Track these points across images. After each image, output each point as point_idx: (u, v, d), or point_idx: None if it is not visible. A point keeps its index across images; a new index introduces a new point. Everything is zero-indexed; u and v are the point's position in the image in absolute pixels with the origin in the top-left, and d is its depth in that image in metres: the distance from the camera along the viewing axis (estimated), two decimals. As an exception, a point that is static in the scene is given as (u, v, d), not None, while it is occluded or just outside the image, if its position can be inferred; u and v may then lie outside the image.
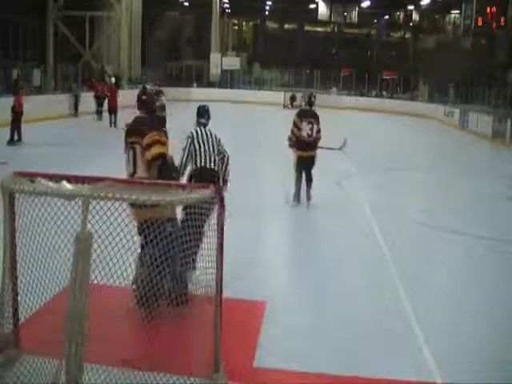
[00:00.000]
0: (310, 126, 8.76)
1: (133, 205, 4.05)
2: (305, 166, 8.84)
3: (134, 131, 4.81)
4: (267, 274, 5.98)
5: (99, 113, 21.16)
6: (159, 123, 5.31)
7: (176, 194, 3.39)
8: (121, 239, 3.35)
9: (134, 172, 4.71)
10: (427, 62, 40.08)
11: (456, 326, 4.89)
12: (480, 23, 39.48)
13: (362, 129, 24.24)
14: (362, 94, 38.10)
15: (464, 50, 39.76)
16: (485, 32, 38.38)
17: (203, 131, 5.61)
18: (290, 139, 8.94)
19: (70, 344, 3.09)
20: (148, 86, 5.85)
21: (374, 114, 31.61)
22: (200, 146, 5.48)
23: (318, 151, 8.98)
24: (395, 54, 47.45)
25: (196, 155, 5.46)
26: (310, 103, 9.21)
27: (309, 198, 8.86)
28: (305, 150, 8.78)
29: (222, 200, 3.55)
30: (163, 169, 4.63)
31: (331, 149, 9.93)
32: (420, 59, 43.43)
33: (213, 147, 5.53)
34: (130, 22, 33.77)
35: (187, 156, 5.49)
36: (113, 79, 23.58)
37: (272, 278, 5.88)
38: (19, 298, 3.64)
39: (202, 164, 5.44)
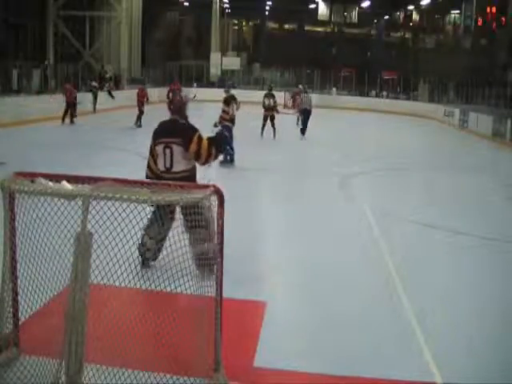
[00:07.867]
0: (268, 99, 17.63)
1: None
2: (268, 118, 17.52)
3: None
4: (267, 274, 5.98)
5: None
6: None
7: (176, 194, 3.39)
8: (121, 239, 3.35)
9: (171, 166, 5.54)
10: (427, 62, 40.10)
11: (457, 327, 4.87)
12: (480, 23, 39.48)
13: (362, 129, 24.24)
14: (361, 94, 38.08)
15: (464, 50, 39.79)
16: (485, 32, 38.39)
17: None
18: (263, 106, 17.81)
19: (69, 344, 3.09)
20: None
21: (374, 114, 31.59)
22: None
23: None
24: (395, 54, 47.42)
25: None
26: (270, 90, 18.79)
27: (274, 136, 17.22)
28: (266, 110, 17.72)
29: (221, 199, 3.55)
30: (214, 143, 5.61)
31: (287, 113, 17.37)
32: (420, 59, 43.42)
33: None
34: (130, 22, 33.81)
35: None
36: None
37: (271, 279, 5.87)
38: (19, 298, 3.64)
39: None
